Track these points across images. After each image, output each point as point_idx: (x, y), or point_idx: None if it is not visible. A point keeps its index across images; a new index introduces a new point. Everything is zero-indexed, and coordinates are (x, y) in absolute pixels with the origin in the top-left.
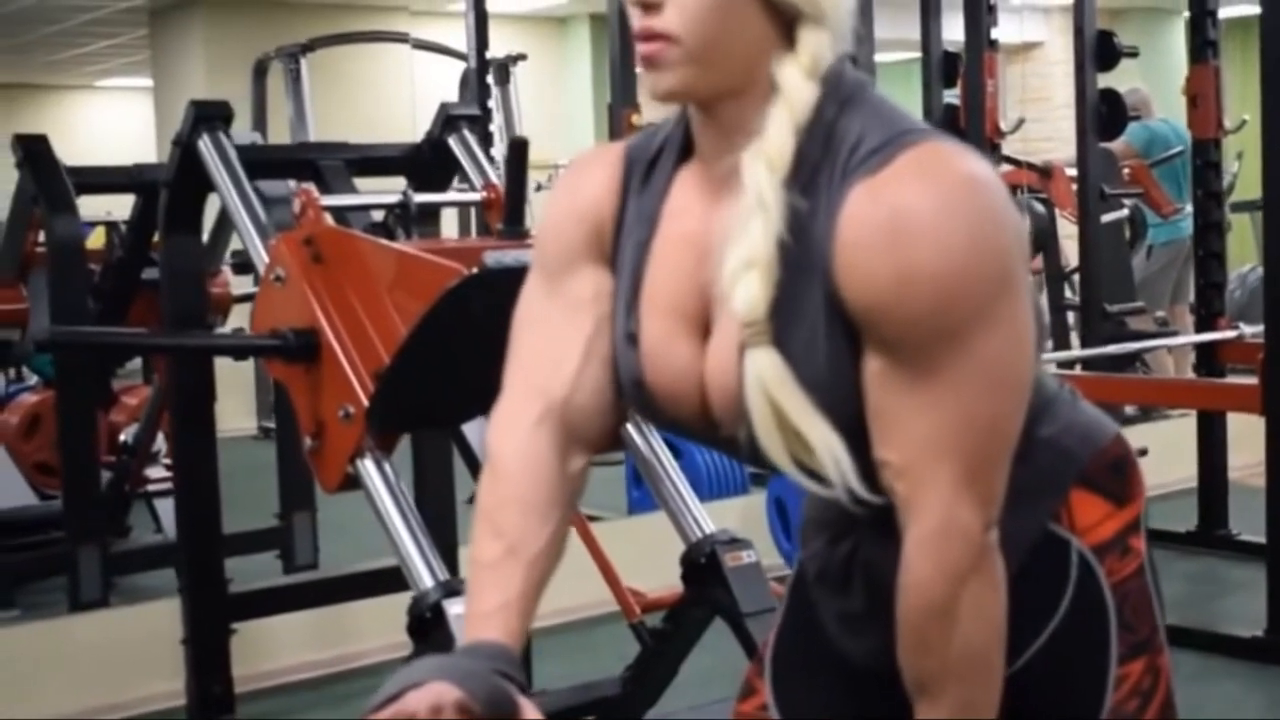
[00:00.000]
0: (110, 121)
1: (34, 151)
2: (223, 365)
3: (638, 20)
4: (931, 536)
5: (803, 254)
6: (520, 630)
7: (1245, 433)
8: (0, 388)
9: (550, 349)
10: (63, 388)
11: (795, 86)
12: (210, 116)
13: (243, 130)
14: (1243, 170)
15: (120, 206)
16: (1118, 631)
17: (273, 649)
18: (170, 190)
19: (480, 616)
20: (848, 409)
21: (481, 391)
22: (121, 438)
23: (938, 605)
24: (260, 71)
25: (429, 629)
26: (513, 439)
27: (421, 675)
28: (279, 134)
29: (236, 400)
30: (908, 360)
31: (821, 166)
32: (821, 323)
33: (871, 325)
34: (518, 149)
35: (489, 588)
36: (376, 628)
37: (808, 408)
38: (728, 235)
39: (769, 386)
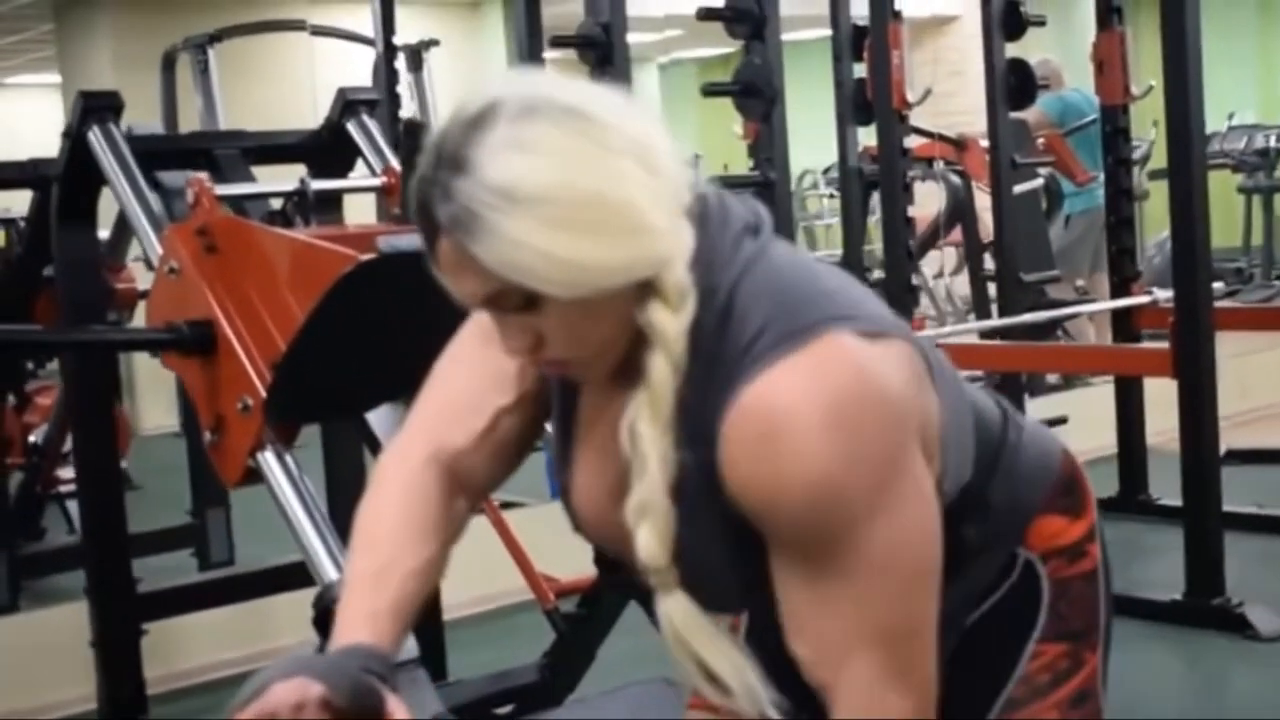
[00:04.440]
0: (19, 120)
1: None
2: (143, 364)
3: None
4: None
5: (698, 482)
6: (392, 635)
7: (1163, 399)
8: None
9: (461, 401)
10: None
11: (666, 327)
12: (100, 107)
13: (154, 122)
14: (1159, 138)
15: (19, 203)
16: (1047, 614)
17: (187, 648)
18: (61, 183)
19: (348, 623)
20: (767, 610)
21: (381, 378)
22: (31, 438)
23: None
24: (169, 64)
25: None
26: (400, 467)
27: (284, 672)
28: (190, 126)
29: (157, 398)
30: (799, 557)
31: (709, 390)
32: (730, 538)
33: (761, 525)
34: (413, 131)
35: (359, 598)
36: (292, 623)
37: (719, 644)
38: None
39: (681, 633)
